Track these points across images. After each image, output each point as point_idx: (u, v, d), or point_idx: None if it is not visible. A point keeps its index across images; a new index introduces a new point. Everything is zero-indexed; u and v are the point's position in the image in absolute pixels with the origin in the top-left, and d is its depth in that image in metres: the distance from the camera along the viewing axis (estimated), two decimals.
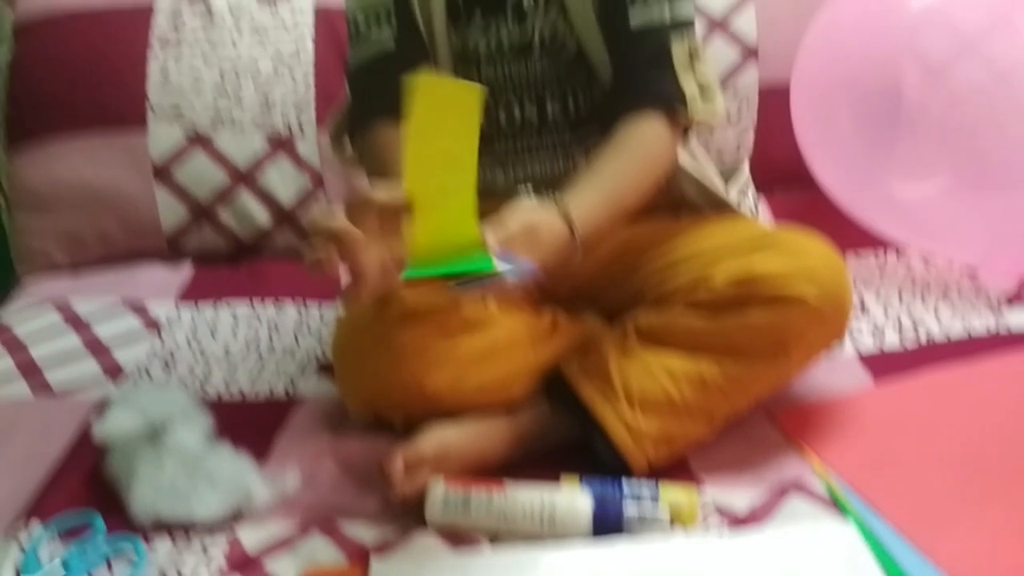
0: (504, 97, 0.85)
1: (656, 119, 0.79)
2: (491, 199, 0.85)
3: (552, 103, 0.85)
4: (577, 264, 0.73)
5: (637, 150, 0.79)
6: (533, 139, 0.86)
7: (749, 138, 1.23)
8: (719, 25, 1.22)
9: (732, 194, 0.91)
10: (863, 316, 1.00)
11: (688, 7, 0.82)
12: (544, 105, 0.85)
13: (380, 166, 0.80)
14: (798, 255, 0.77)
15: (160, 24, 1.16)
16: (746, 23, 1.22)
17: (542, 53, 0.83)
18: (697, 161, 0.88)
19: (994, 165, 1.05)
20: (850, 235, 1.11)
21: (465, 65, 0.85)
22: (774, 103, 1.20)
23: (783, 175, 1.21)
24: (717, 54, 1.21)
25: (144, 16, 1.17)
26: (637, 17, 0.81)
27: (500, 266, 0.64)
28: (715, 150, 1.22)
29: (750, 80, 1.22)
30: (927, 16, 1.11)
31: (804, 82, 1.15)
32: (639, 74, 0.80)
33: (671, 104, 0.80)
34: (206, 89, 1.15)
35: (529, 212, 0.70)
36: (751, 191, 0.95)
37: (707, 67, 0.82)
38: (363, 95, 0.86)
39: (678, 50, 0.80)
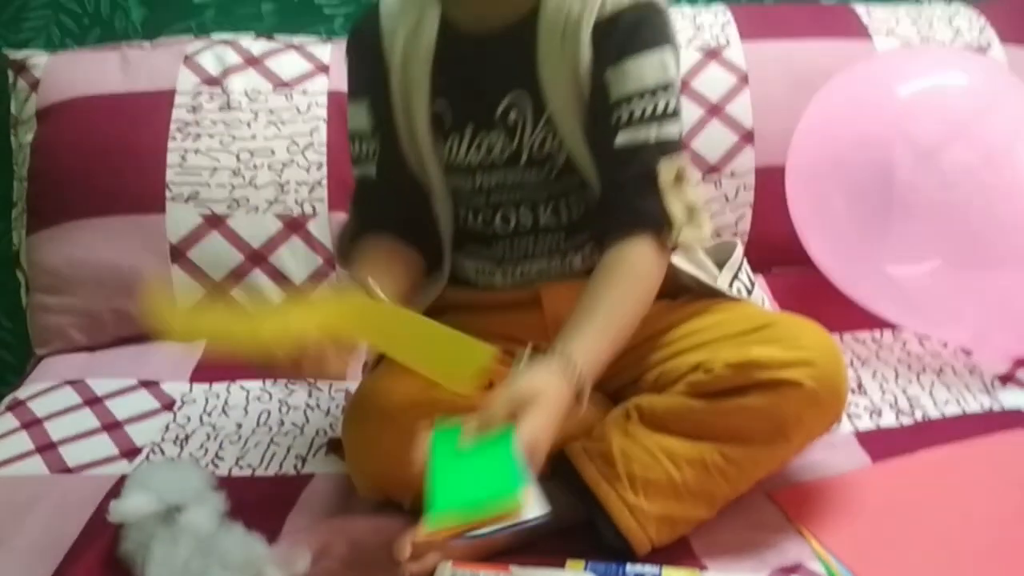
0: (498, 203, 0.88)
1: (644, 241, 0.81)
2: (491, 296, 0.90)
3: (544, 209, 0.88)
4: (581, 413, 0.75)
5: (629, 279, 0.81)
6: (528, 242, 0.89)
7: (747, 218, 1.27)
8: (716, 109, 1.27)
9: (726, 276, 0.93)
10: (860, 395, 1.02)
11: (676, 128, 0.84)
12: (537, 211, 0.88)
13: (360, 277, 0.82)
14: (795, 342, 0.79)
15: (180, 110, 1.21)
16: (742, 108, 1.26)
17: (532, 164, 0.86)
18: (691, 254, 0.90)
19: (985, 245, 1.08)
20: (847, 314, 1.13)
21: (457, 174, 0.88)
22: (770, 184, 1.23)
23: (781, 254, 1.24)
24: (714, 137, 1.26)
25: (165, 102, 1.22)
26: (624, 137, 0.82)
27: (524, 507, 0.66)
28: (713, 230, 1.25)
29: (746, 162, 1.26)
30: (917, 101, 1.15)
31: (798, 164, 1.19)
32: (627, 195, 0.82)
33: (658, 227, 0.82)
34: (223, 172, 1.19)
35: (535, 382, 0.72)
36: (746, 272, 0.97)
37: (694, 189, 0.84)
38: (357, 221, 0.92)
39: (665, 172, 0.82)
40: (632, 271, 0.81)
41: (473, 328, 0.76)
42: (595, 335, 0.76)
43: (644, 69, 0.82)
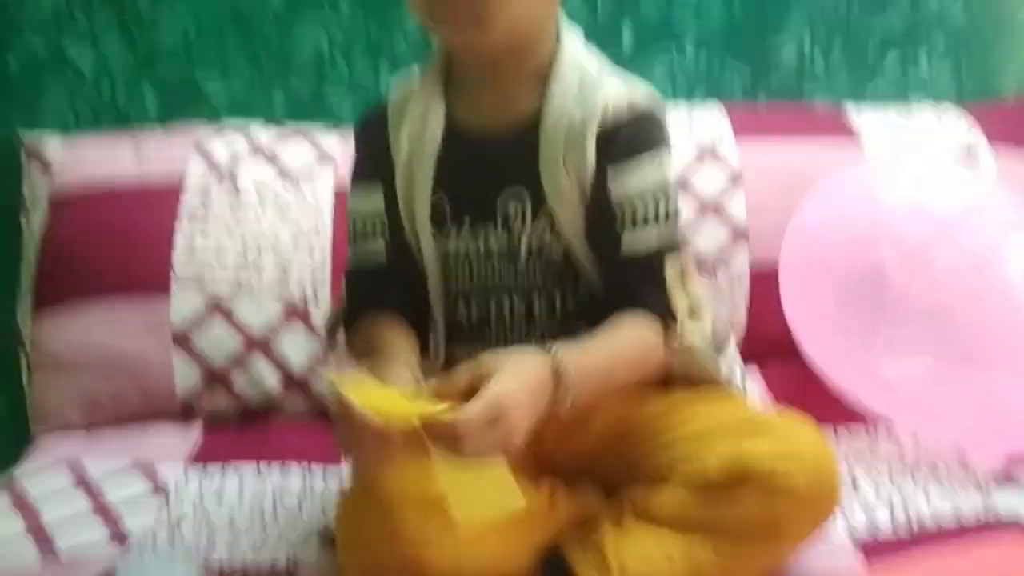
0: (493, 294, 0.90)
1: (650, 322, 0.85)
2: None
3: (539, 301, 0.90)
4: (565, 415, 0.76)
5: (632, 335, 0.84)
6: (523, 331, 0.91)
7: (742, 313, 1.29)
8: (711, 208, 1.30)
9: (722, 369, 0.95)
10: (854, 494, 1.02)
11: (676, 228, 0.87)
12: (532, 302, 0.90)
13: (368, 359, 0.84)
14: (788, 441, 0.80)
15: (190, 200, 1.24)
16: (736, 205, 1.30)
17: (529, 259, 0.88)
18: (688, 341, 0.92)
19: (975, 345, 1.10)
20: (841, 410, 1.14)
21: (452, 265, 0.90)
22: (765, 280, 1.26)
23: (775, 349, 1.25)
24: (709, 234, 1.29)
25: (175, 188, 1.25)
26: (629, 237, 0.86)
27: None
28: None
29: (741, 258, 1.28)
30: (905, 204, 1.19)
31: (791, 264, 1.22)
32: (632, 292, 0.85)
33: (663, 317, 0.85)
34: (229, 260, 1.21)
35: (518, 364, 0.74)
36: (739, 367, 0.99)
37: (695, 287, 0.87)
38: (356, 299, 0.93)
39: (670, 270, 0.86)
40: (635, 331, 0.84)
41: None
42: (588, 350, 0.79)
43: (645, 172, 0.86)
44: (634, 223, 0.86)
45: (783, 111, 1.40)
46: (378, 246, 0.91)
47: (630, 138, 0.86)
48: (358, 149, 0.96)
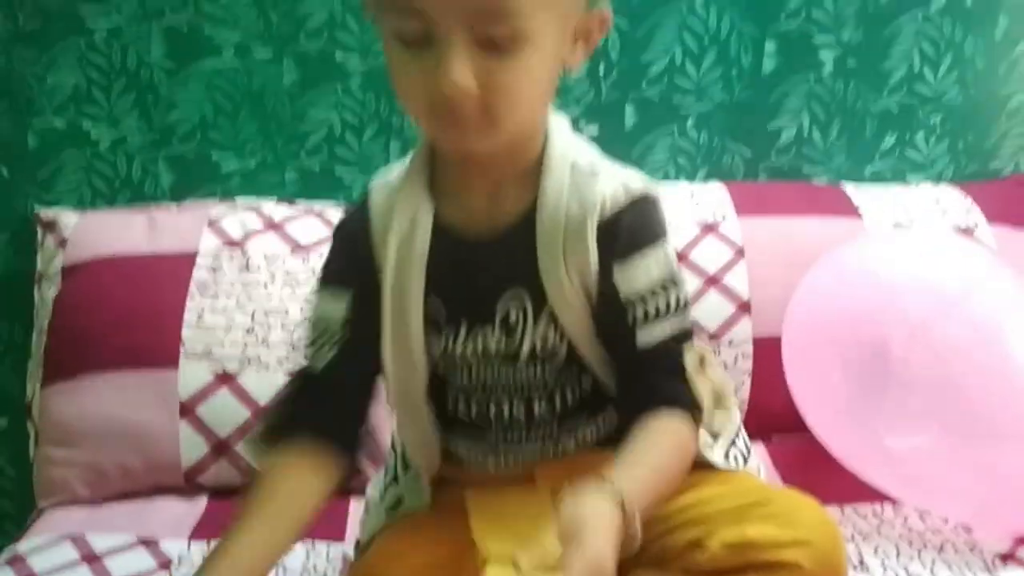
0: (492, 395, 0.87)
1: (679, 417, 0.82)
2: (486, 480, 0.89)
3: (540, 402, 0.87)
4: (631, 545, 0.72)
5: (670, 441, 0.81)
6: (521, 431, 0.88)
7: (746, 386, 1.29)
8: (714, 280, 1.32)
9: (723, 445, 0.93)
10: (862, 572, 1.01)
11: (688, 317, 0.85)
12: (532, 402, 0.87)
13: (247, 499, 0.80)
14: (792, 520, 0.79)
15: (201, 270, 1.26)
16: (738, 279, 1.31)
17: (531, 361, 0.85)
18: None
19: (982, 420, 1.09)
20: (848, 486, 1.13)
21: (447, 368, 0.87)
22: (768, 353, 1.26)
23: (781, 421, 1.25)
24: (713, 307, 1.30)
25: (187, 262, 1.27)
26: (644, 335, 0.83)
27: None
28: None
29: (744, 331, 1.29)
30: (908, 278, 1.20)
31: (794, 337, 1.23)
32: (654, 388, 0.82)
33: (689, 410, 0.82)
34: (237, 331, 1.23)
35: (582, 510, 0.70)
36: (743, 440, 0.98)
37: (719, 374, 0.85)
38: (286, 407, 0.86)
39: (688, 358, 0.83)
40: (677, 431, 0.81)
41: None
42: (640, 472, 0.75)
43: (651, 266, 0.83)
44: (646, 318, 0.83)
45: (784, 189, 1.43)
46: (324, 355, 0.85)
47: (632, 231, 0.83)
48: (332, 252, 0.90)
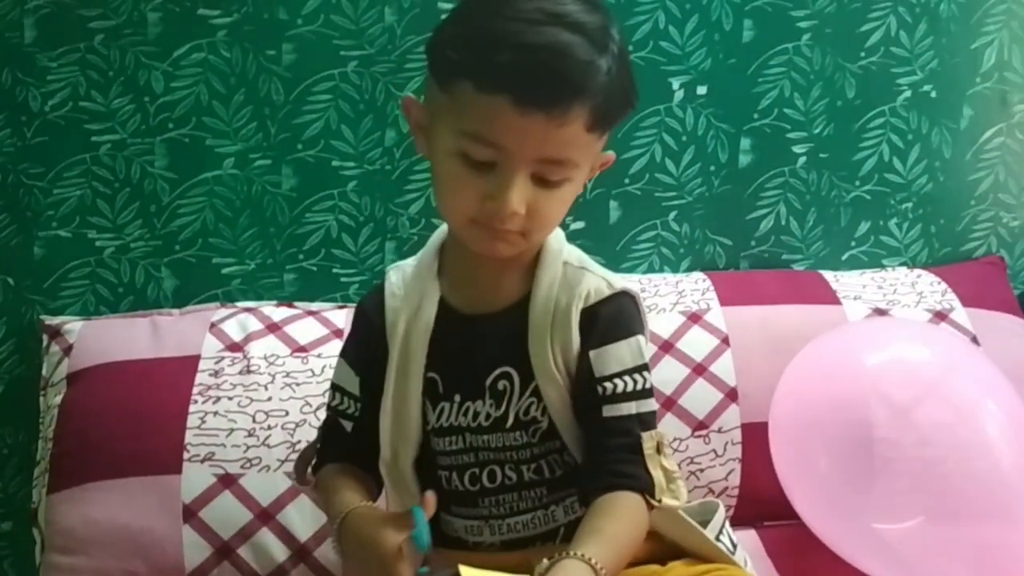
0: (484, 462, 0.95)
1: (636, 498, 0.90)
2: (482, 554, 0.95)
3: (528, 468, 0.95)
4: None
5: (626, 515, 0.90)
6: (513, 497, 0.95)
7: (736, 473, 1.32)
8: (700, 368, 1.36)
9: (710, 535, 0.97)
10: None
11: (652, 404, 0.94)
12: (520, 470, 0.95)
13: (324, 501, 0.97)
14: None
15: (203, 374, 1.30)
16: (724, 367, 1.35)
17: (517, 428, 0.94)
18: (676, 520, 0.96)
19: (965, 500, 1.13)
20: (839, 571, 1.16)
21: (439, 438, 0.96)
22: (757, 439, 1.30)
23: (771, 508, 1.28)
24: (700, 395, 1.34)
25: (190, 367, 1.31)
26: (610, 411, 0.92)
27: None
28: (705, 485, 1.31)
29: (732, 419, 1.33)
30: (889, 362, 1.24)
31: (780, 425, 1.26)
32: (613, 461, 0.91)
33: (644, 490, 0.91)
34: (239, 433, 1.26)
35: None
36: (727, 532, 1.02)
37: (670, 459, 0.93)
38: (326, 443, 1.01)
39: (647, 442, 0.92)
40: (630, 507, 0.90)
41: None
42: (606, 546, 0.84)
43: (623, 353, 0.93)
44: (614, 396, 0.92)
45: (765, 277, 1.48)
46: (348, 413, 0.99)
47: (610, 321, 0.93)
48: (352, 330, 1.03)
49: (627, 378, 0.92)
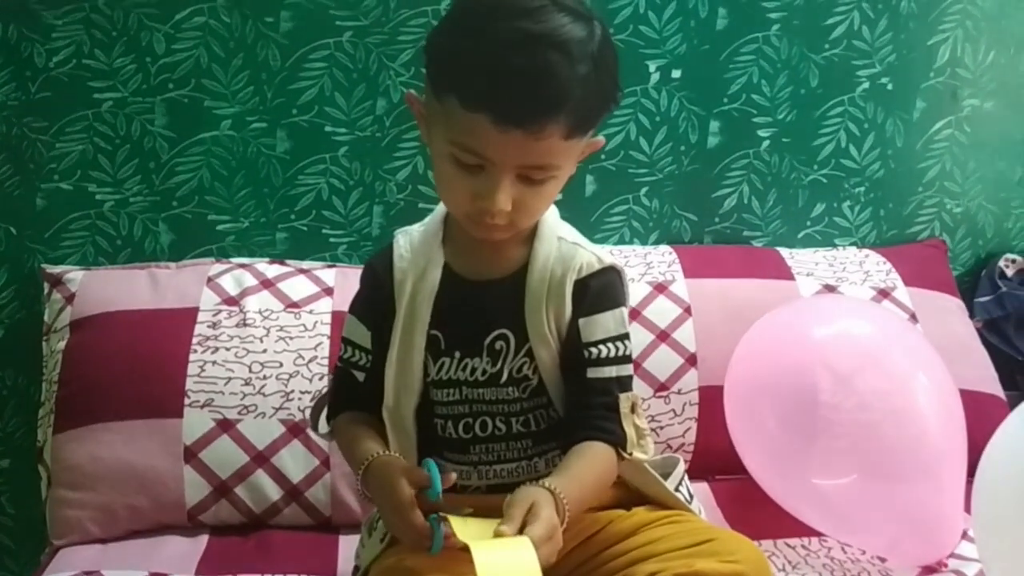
0: (478, 413, 1.05)
1: (609, 449, 1.02)
2: (469, 496, 1.05)
3: (516, 421, 1.06)
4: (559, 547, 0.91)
5: (598, 457, 1.01)
6: (502, 447, 1.06)
7: (692, 431, 1.44)
8: (664, 335, 1.46)
9: (671, 486, 1.09)
10: None
11: (630, 369, 1.06)
12: (510, 421, 1.05)
13: (346, 447, 1.07)
14: (731, 556, 0.95)
15: (202, 325, 1.38)
16: (686, 334, 1.46)
17: (509, 384, 1.04)
18: (642, 472, 1.08)
19: (895, 462, 1.24)
20: (780, 522, 1.28)
21: (438, 390, 1.05)
22: (712, 401, 1.41)
23: (723, 463, 1.40)
24: (663, 359, 1.44)
25: (189, 318, 1.38)
26: (593, 372, 1.03)
27: None
28: (664, 441, 1.43)
29: (691, 381, 1.44)
30: (834, 335, 1.35)
31: (734, 388, 1.37)
32: (593, 417, 1.02)
33: (617, 444, 1.02)
34: (236, 382, 1.35)
35: (547, 499, 0.91)
36: (685, 484, 1.14)
37: (642, 419, 1.05)
38: (339, 393, 1.10)
39: (624, 403, 1.03)
40: (600, 455, 1.01)
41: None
42: (572, 481, 0.96)
43: (608, 322, 1.04)
44: (598, 360, 1.03)
45: (727, 252, 1.59)
46: (360, 365, 1.08)
47: (598, 292, 1.04)
48: (362, 287, 1.11)
49: (611, 344, 1.03)
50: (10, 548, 1.56)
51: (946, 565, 1.22)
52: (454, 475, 0.96)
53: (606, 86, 0.95)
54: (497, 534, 0.87)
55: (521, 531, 0.87)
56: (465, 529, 0.89)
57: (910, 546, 1.24)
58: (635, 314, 1.46)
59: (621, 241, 1.61)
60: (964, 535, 1.24)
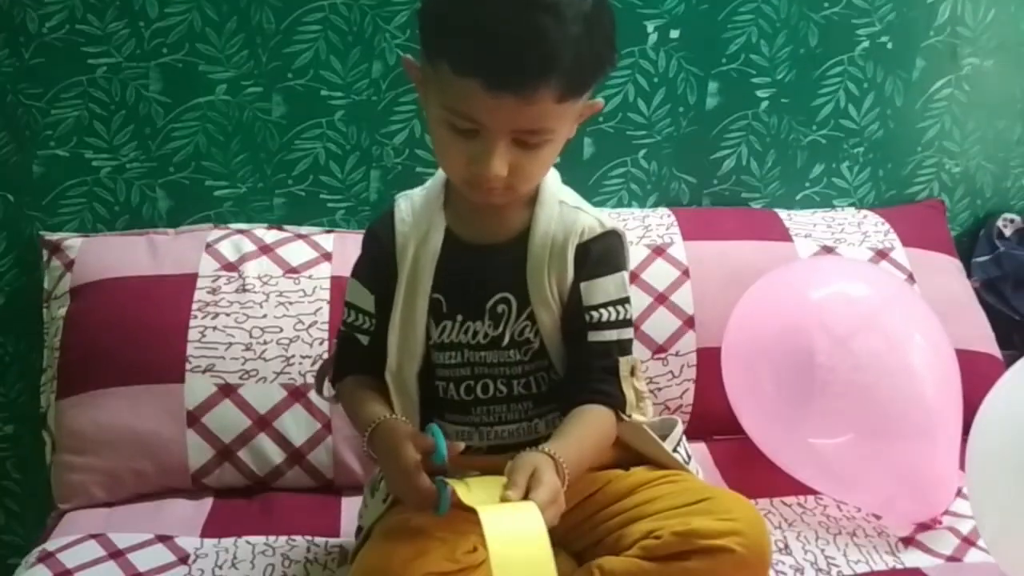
0: (479, 376, 1.06)
1: (608, 411, 1.03)
2: (473, 456, 1.06)
3: (518, 383, 1.07)
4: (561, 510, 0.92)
5: (597, 420, 1.03)
6: (503, 408, 1.07)
7: (690, 392, 1.45)
8: (662, 298, 1.47)
9: (668, 447, 1.11)
10: (786, 555, 1.18)
11: (630, 333, 1.06)
12: (511, 384, 1.07)
13: (351, 411, 1.08)
14: (727, 515, 0.97)
15: (201, 291, 1.38)
16: (684, 297, 1.46)
17: (512, 346, 1.05)
18: (641, 432, 1.09)
19: (891, 420, 1.26)
20: (776, 481, 1.30)
21: (440, 352, 1.06)
22: (710, 363, 1.42)
23: (720, 424, 1.42)
24: (661, 322, 1.45)
25: (188, 284, 1.39)
26: (594, 336, 1.04)
27: None
28: (662, 402, 1.44)
29: (689, 344, 1.45)
30: (832, 296, 1.36)
31: (732, 349, 1.39)
32: (593, 380, 1.04)
33: (616, 406, 1.03)
34: (236, 347, 1.35)
35: (549, 471, 0.92)
36: (683, 445, 1.15)
37: (641, 381, 1.07)
38: (342, 357, 1.11)
39: (623, 366, 1.04)
40: (599, 418, 1.02)
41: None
42: (571, 444, 0.97)
43: (609, 286, 1.05)
44: (599, 324, 1.04)
45: (725, 215, 1.59)
46: (364, 328, 1.08)
47: (600, 256, 1.05)
48: (364, 251, 1.11)
49: (611, 308, 1.04)
50: (16, 512, 1.59)
51: (940, 522, 1.24)
52: (461, 444, 0.97)
53: (600, 48, 0.94)
54: (503, 500, 0.88)
55: (526, 496, 0.89)
56: (468, 494, 0.90)
57: (905, 504, 1.25)
58: (633, 277, 1.46)
59: (619, 204, 1.61)
60: (958, 492, 1.26)
